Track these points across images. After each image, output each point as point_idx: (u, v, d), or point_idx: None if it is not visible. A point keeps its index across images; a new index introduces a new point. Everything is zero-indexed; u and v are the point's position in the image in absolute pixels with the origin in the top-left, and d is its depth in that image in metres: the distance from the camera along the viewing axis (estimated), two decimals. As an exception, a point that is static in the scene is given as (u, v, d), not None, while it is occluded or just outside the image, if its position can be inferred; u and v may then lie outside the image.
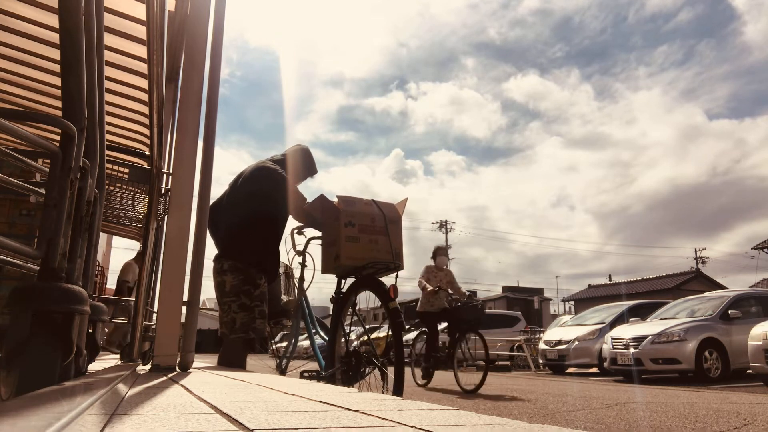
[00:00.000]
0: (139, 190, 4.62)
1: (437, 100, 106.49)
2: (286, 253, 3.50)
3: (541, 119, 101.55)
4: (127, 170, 4.48)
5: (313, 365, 3.24)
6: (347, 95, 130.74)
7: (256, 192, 3.28)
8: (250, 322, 3.14)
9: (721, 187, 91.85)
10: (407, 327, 17.18)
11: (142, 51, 3.18)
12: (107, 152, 2.71)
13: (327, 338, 3.14)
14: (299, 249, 3.46)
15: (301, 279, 3.44)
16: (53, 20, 2.70)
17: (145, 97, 3.64)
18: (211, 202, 2.98)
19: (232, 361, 3.23)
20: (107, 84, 3.08)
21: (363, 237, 2.81)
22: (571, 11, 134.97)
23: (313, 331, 3.36)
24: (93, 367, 2.92)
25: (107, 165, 3.33)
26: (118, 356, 4.65)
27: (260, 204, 3.26)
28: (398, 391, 2.50)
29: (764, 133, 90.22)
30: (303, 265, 3.43)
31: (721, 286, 25.01)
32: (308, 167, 3.60)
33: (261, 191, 3.28)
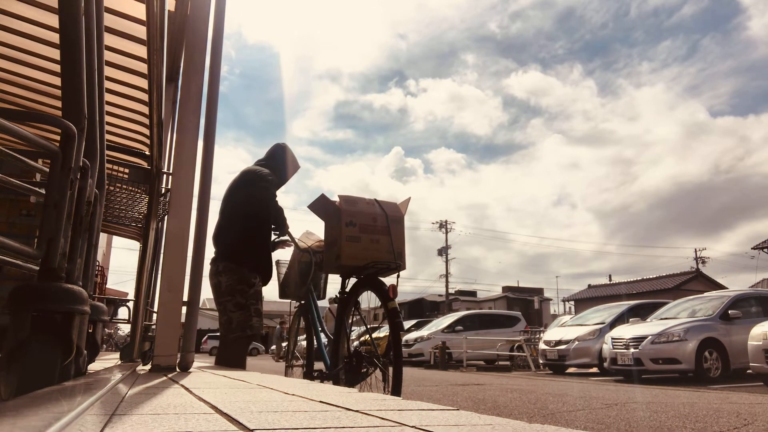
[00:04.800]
0: (139, 190, 4.63)
1: (437, 97, 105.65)
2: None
3: (543, 116, 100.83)
4: (127, 170, 4.48)
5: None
6: (345, 91, 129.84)
7: (245, 197, 3.38)
8: (246, 320, 3.20)
9: (724, 186, 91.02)
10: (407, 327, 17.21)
11: (142, 51, 3.18)
12: (107, 152, 2.71)
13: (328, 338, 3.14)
14: (303, 246, 3.43)
15: (306, 276, 3.40)
16: (53, 20, 2.70)
17: (145, 97, 3.64)
18: (211, 202, 3.00)
19: (231, 360, 3.26)
20: (107, 84, 3.07)
21: (364, 237, 2.81)
22: (572, 3, 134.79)
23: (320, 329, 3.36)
24: (93, 367, 2.92)
25: (107, 165, 3.33)
26: (118, 356, 4.65)
27: (250, 208, 3.36)
28: (397, 390, 2.50)
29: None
30: (311, 264, 3.40)
31: (721, 286, 25.00)
32: (292, 164, 3.70)
33: (248, 195, 3.38)
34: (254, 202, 3.35)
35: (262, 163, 3.59)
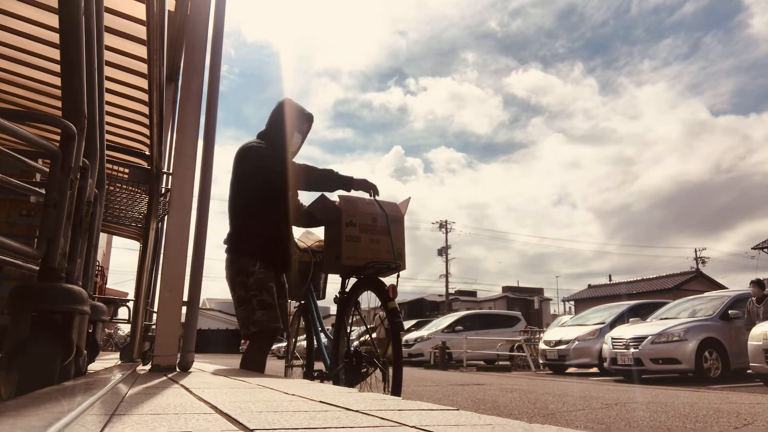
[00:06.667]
0: (139, 190, 4.63)
1: (437, 96, 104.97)
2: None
3: (543, 115, 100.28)
4: (127, 170, 4.48)
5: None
6: (344, 90, 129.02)
7: (240, 177, 3.02)
8: (249, 315, 2.84)
9: (725, 185, 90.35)
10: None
11: (142, 51, 3.18)
12: (107, 152, 2.71)
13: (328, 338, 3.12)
14: (303, 246, 3.43)
15: (306, 276, 3.38)
16: (53, 20, 2.70)
17: (145, 97, 3.64)
18: (211, 202, 2.96)
19: (247, 362, 3.00)
20: (107, 84, 3.07)
21: (364, 237, 2.81)
22: (573, 0, 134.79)
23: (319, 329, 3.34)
24: (93, 367, 2.92)
25: (107, 165, 3.33)
26: (118, 356, 4.65)
27: (246, 188, 3.01)
28: (397, 391, 2.50)
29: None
30: (311, 264, 3.36)
31: (721, 286, 24.97)
32: (300, 116, 3.22)
33: (244, 174, 3.00)
34: (250, 180, 2.98)
35: (261, 135, 3.16)
